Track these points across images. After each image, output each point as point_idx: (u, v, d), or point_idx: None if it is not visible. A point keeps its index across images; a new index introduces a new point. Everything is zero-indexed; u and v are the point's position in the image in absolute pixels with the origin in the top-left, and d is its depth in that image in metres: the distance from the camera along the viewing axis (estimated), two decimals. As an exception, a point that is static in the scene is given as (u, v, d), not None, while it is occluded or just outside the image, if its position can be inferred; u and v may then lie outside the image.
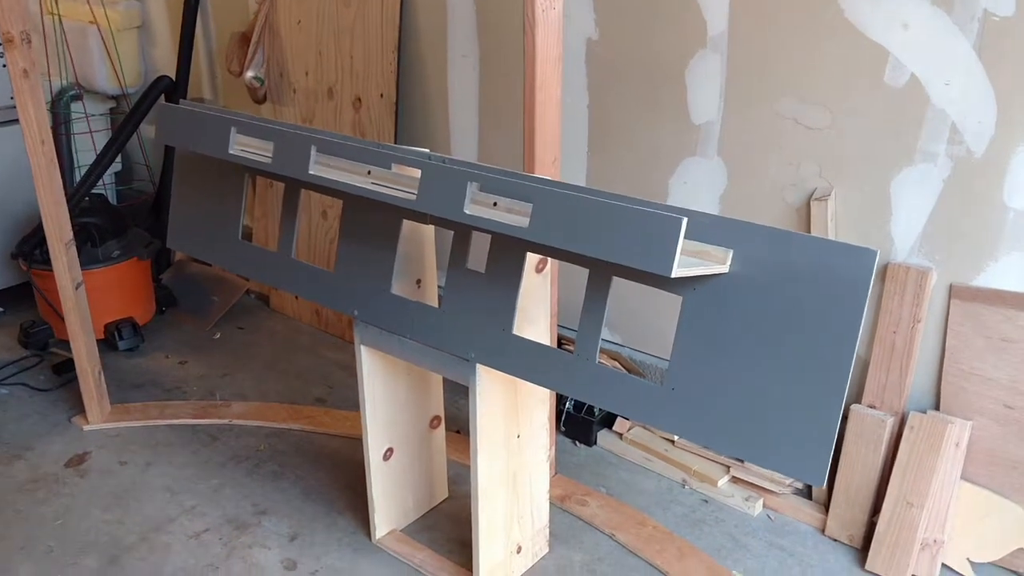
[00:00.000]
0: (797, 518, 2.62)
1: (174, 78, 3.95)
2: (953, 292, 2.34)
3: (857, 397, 2.52)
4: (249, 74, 3.56)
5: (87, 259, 3.47)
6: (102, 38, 4.09)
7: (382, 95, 3.31)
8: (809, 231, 2.48)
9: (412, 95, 3.37)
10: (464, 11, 3.10)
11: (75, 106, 4.22)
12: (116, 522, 2.65)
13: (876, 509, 2.45)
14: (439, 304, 2.14)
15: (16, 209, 3.80)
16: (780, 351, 1.64)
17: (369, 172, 2.14)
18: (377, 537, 2.54)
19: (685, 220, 1.52)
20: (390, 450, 2.47)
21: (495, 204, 1.91)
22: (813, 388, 1.61)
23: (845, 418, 2.50)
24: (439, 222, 2.08)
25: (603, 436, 3.00)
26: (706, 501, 2.72)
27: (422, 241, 2.29)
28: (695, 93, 2.63)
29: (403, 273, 2.23)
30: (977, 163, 2.21)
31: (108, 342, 3.58)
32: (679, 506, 2.70)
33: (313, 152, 2.03)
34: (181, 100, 3.06)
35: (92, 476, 2.87)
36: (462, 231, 2.04)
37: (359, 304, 2.25)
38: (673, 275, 1.54)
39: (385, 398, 2.41)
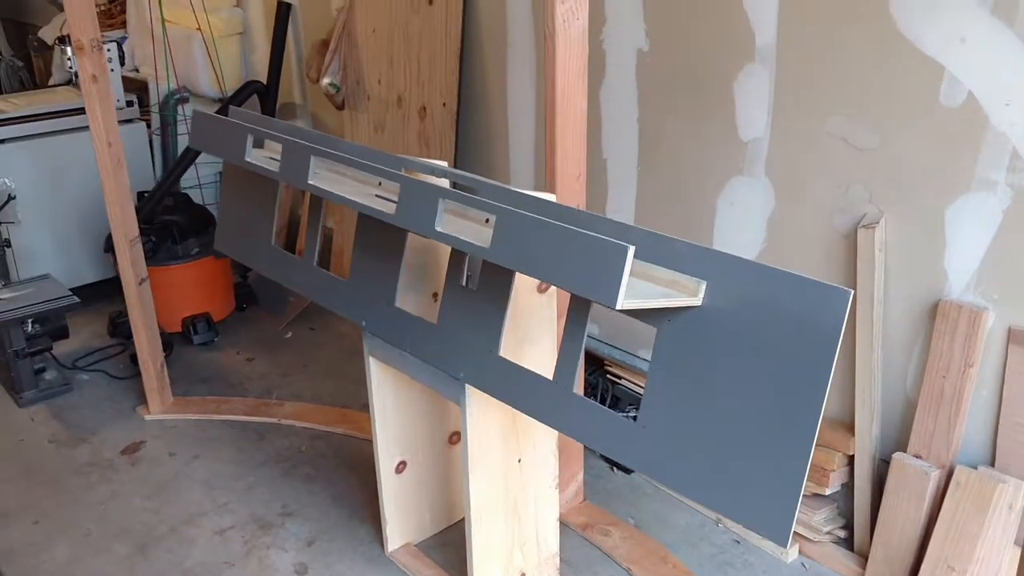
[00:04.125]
0: (833, 569, 2.42)
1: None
2: (1012, 336, 2.09)
3: (902, 444, 2.30)
4: (325, 81, 3.63)
5: (167, 255, 3.64)
6: (205, 44, 4.28)
7: (444, 104, 3.30)
8: (856, 260, 2.29)
9: (473, 104, 3.34)
10: (522, 19, 3.05)
11: (184, 109, 4.45)
12: (152, 511, 2.75)
13: (917, 568, 2.23)
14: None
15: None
16: (749, 394, 1.51)
17: (380, 183, 2.14)
18: (389, 550, 2.52)
19: (632, 249, 1.41)
20: (403, 463, 2.45)
21: (487, 221, 1.85)
22: (780, 438, 1.47)
23: (887, 464, 2.29)
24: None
25: (643, 464, 2.87)
26: (738, 542, 2.55)
27: (438, 254, 2.25)
28: (743, 108, 2.48)
29: (411, 286, 2.20)
30: (1041, 194, 1.97)
31: (184, 335, 3.74)
32: (708, 545, 2.55)
33: (312, 162, 2.03)
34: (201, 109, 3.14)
35: (142, 465, 2.99)
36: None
37: (367, 315, 2.23)
38: (618, 307, 1.43)
39: (396, 410, 2.39)
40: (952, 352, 2.16)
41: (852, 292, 1.39)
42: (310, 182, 2.03)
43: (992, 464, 2.18)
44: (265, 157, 2.32)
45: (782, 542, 1.47)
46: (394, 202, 1.95)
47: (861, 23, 2.16)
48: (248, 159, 2.22)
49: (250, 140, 2.21)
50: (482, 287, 1.94)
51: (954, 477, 2.15)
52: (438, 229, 1.74)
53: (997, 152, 2.01)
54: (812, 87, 2.31)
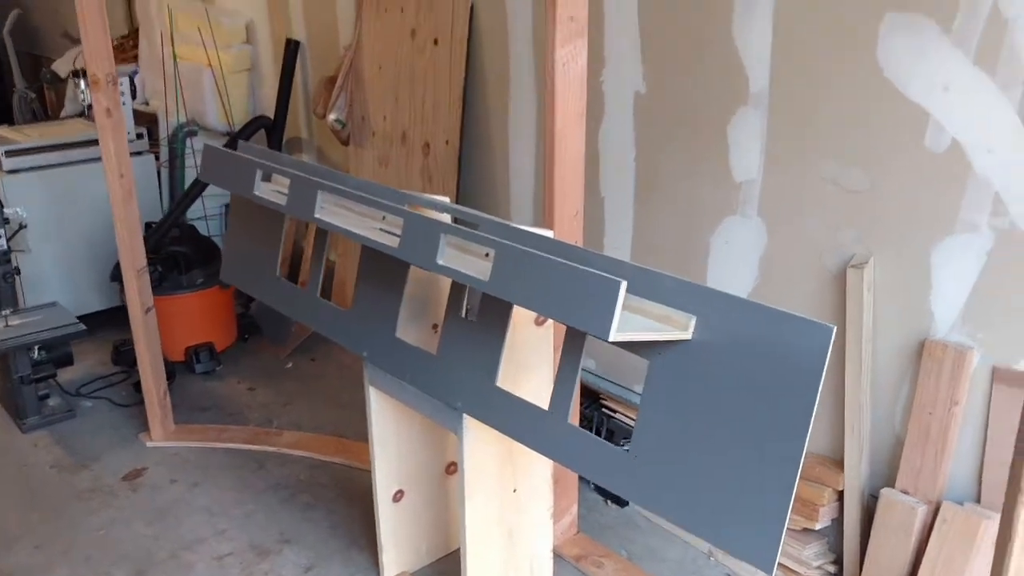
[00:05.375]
0: (823, 604, 2.45)
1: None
2: (996, 375, 2.15)
3: (890, 480, 2.34)
4: (331, 116, 3.72)
5: (172, 285, 3.70)
6: (215, 79, 4.38)
7: (447, 141, 3.38)
8: (845, 299, 2.35)
9: (476, 142, 3.42)
10: (524, 62, 3.14)
11: (192, 142, 4.54)
12: (152, 537, 2.79)
13: (905, 604, 2.27)
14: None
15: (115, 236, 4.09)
16: (737, 426, 1.56)
17: (384, 218, 2.20)
18: (385, 578, 2.55)
19: (624, 283, 1.48)
20: (400, 492, 2.49)
21: (487, 255, 1.92)
22: (766, 468, 1.52)
23: (876, 500, 2.33)
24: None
25: (637, 497, 2.91)
26: (729, 576, 2.59)
27: (439, 286, 2.31)
28: (736, 150, 2.56)
29: (412, 317, 2.26)
30: (1022, 237, 2.04)
31: (187, 364, 3.79)
32: (700, 578, 2.59)
33: (319, 196, 2.10)
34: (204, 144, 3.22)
35: (143, 491, 3.03)
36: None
37: (369, 345, 2.29)
38: (611, 339, 1.49)
39: (396, 439, 2.44)
40: (938, 390, 2.21)
41: (834, 327, 1.45)
42: (316, 216, 2.10)
43: (978, 500, 2.22)
44: (272, 191, 2.39)
45: (768, 569, 1.51)
46: (397, 236, 2.01)
47: (850, 69, 2.24)
48: (257, 192, 2.29)
49: (259, 174, 2.29)
50: (481, 319, 2.00)
51: (940, 513, 2.20)
52: (439, 262, 1.81)
53: (980, 196, 2.08)
54: (804, 130, 2.39)
